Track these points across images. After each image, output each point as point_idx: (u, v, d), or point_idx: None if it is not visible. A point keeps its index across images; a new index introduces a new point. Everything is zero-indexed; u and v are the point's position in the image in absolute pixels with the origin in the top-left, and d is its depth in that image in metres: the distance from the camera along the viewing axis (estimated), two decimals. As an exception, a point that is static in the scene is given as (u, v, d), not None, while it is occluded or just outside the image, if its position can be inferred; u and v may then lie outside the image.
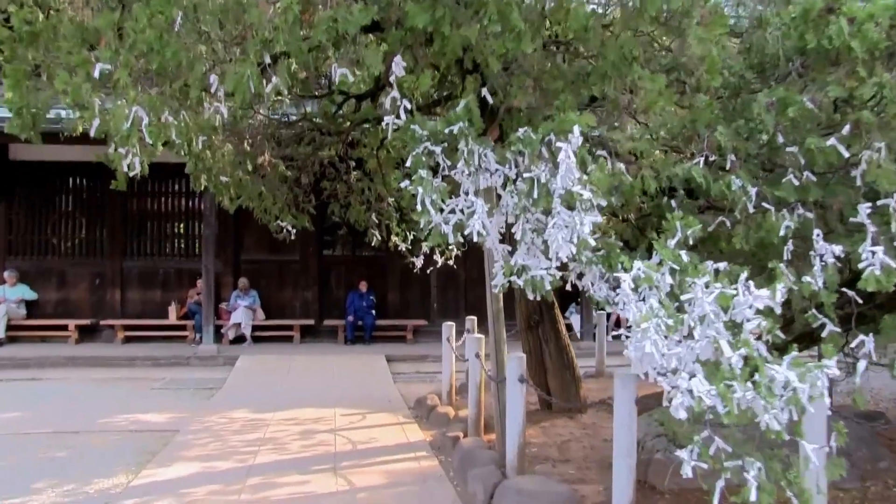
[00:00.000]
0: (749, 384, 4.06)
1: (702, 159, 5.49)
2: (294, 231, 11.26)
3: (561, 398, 9.21)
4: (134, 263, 16.56)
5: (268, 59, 5.11)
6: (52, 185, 16.35)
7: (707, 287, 4.28)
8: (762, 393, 4.03)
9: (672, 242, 4.97)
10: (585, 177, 4.72)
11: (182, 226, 17.04)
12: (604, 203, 4.80)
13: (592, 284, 5.64)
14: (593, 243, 4.74)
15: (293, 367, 13.44)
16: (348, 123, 9.85)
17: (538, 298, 5.38)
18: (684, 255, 4.81)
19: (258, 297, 16.17)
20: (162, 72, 4.94)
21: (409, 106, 5.31)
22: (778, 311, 4.32)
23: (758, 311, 4.26)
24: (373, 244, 12.35)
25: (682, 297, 4.38)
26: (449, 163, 5.34)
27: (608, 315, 14.50)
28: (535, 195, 4.86)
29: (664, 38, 5.73)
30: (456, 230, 5.19)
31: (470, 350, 8.76)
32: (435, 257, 12.45)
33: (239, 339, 15.60)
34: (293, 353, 14.82)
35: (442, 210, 5.18)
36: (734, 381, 4.08)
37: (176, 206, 16.95)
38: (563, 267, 5.29)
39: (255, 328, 15.78)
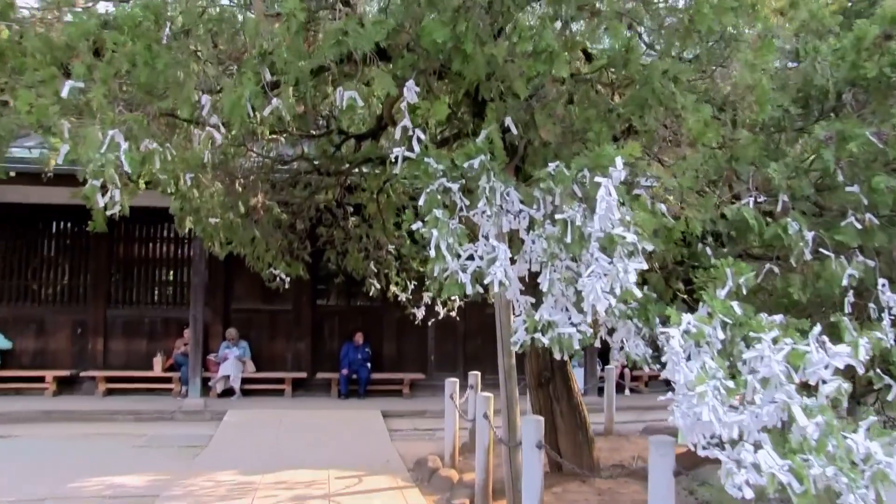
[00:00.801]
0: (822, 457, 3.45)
1: (750, 200, 4.90)
2: (287, 279, 10.66)
3: (573, 461, 8.56)
4: (118, 312, 15.81)
5: (268, 76, 4.50)
6: (34, 228, 15.65)
7: (775, 343, 3.66)
8: (844, 468, 3.41)
9: (722, 293, 4.38)
10: (627, 217, 4.10)
11: (170, 273, 16.36)
12: (649, 247, 4.18)
13: (626, 341, 5.03)
14: (639, 294, 4.12)
15: (284, 423, 12.70)
16: (347, 164, 9.25)
17: (565, 357, 4.74)
18: (736, 307, 4.22)
19: (248, 348, 15.48)
20: (150, 89, 4.30)
21: (422, 137, 4.70)
22: (860, 370, 3.70)
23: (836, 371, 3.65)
24: (370, 294, 11.69)
25: (746, 355, 3.76)
26: (467, 202, 4.74)
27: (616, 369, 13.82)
28: (569, 239, 4.23)
29: (706, 65, 5.14)
30: (475, 279, 4.58)
31: (478, 409, 8.10)
32: (436, 308, 11.97)
33: (227, 393, 14.87)
34: (284, 407, 14.09)
35: (459, 256, 4.58)
36: (809, 453, 3.45)
37: (164, 252, 16.30)
38: (593, 322, 4.68)
39: (244, 381, 15.06)
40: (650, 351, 5.01)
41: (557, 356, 4.64)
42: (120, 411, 13.20)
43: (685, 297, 5.62)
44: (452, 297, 12.02)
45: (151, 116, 4.60)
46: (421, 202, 4.57)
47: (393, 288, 11.81)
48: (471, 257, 4.63)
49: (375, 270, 11.48)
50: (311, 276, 13.61)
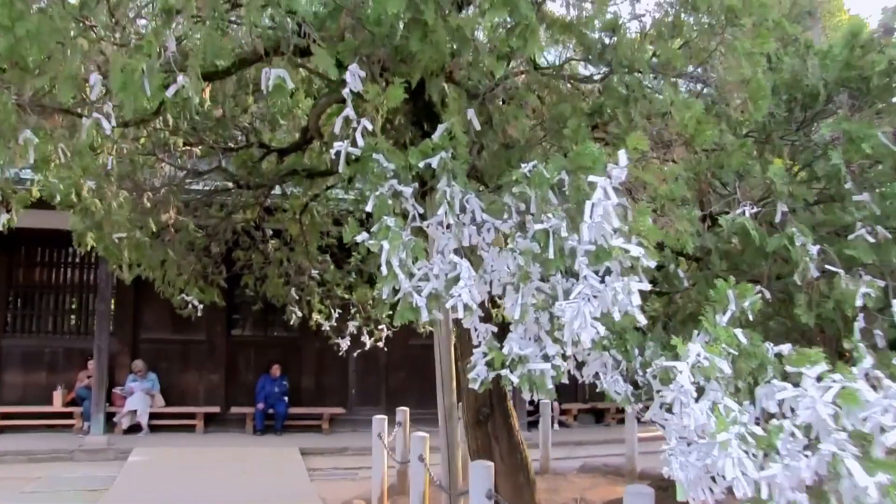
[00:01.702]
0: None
1: (745, 209, 4.27)
2: (201, 307, 9.74)
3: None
4: (15, 341, 14.55)
5: (172, 45, 3.66)
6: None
7: (820, 380, 2.99)
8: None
9: (724, 318, 3.74)
10: (626, 227, 3.40)
11: (75, 300, 15.24)
12: (653, 263, 3.48)
13: (602, 376, 4.34)
14: (643, 320, 3.42)
15: (195, 462, 11.72)
16: (269, 179, 8.41)
17: (536, 398, 4.00)
18: (741, 335, 3.58)
19: (157, 380, 14.44)
20: (20, 62, 3.41)
21: (369, 127, 3.92)
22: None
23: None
24: (290, 323, 10.82)
25: (781, 395, 3.08)
26: (421, 210, 3.99)
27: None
28: (550, 254, 3.51)
29: (696, 53, 4.49)
30: (431, 303, 3.83)
31: (413, 450, 7.30)
32: (363, 338, 11.28)
33: (134, 429, 13.82)
34: (195, 444, 13.17)
35: (412, 275, 3.82)
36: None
37: (68, 278, 15.20)
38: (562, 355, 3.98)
39: (152, 416, 14.02)
40: (630, 388, 4.32)
41: (527, 396, 3.90)
42: (9, 451, 11.98)
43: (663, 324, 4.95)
44: (380, 327, 11.60)
45: (29, 100, 3.70)
46: (369, 207, 3.80)
47: (315, 316, 11.01)
48: (426, 277, 3.88)
49: (297, 297, 10.64)
50: (226, 304, 12.80)
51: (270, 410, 14.60)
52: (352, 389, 15.95)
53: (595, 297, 3.42)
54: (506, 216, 3.88)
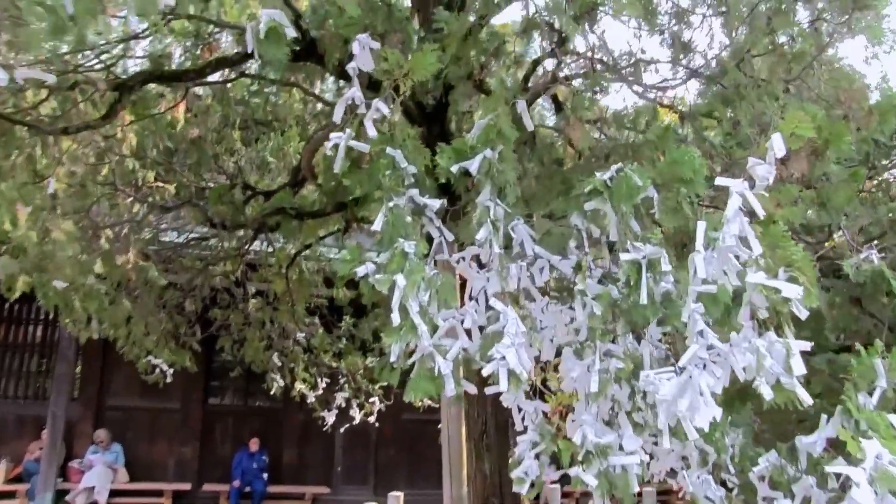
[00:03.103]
0: None
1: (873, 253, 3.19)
2: (171, 371, 8.61)
3: None
4: (-43, 408, 13.20)
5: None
6: None
7: None
8: None
9: (873, 399, 2.68)
10: (758, 257, 2.30)
11: (32, 360, 13.83)
12: (804, 313, 2.38)
13: (686, 476, 3.23)
14: (808, 399, 2.32)
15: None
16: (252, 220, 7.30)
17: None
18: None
19: (122, 452, 13.07)
20: None
21: (385, 111, 2.81)
22: None
23: None
24: (271, 392, 9.67)
25: None
26: (450, 237, 2.89)
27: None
28: (643, 298, 2.40)
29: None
30: (459, 369, 2.72)
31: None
32: (351, 411, 10.35)
33: (91, 509, 12.35)
34: (161, 527, 11.74)
35: (435, 328, 2.71)
36: None
37: (25, 336, 13.90)
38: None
39: (114, 493, 12.54)
40: (722, 491, 3.20)
41: (600, 502, 2.75)
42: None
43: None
44: (371, 400, 10.48)
45: None
46: (377, 225, 2.68)
47: (299, 386, 10.02)
48: (452, 332, 2.77)
49: (279, 364, 9.55)
50: (205, 369, 11.68)
51: (248, 488, 13.29)
52: (337, 467, 14.63)
53: (714, 361, 2.30)
54: (573, 244, 2.76)
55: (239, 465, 13.33)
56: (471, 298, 2.99)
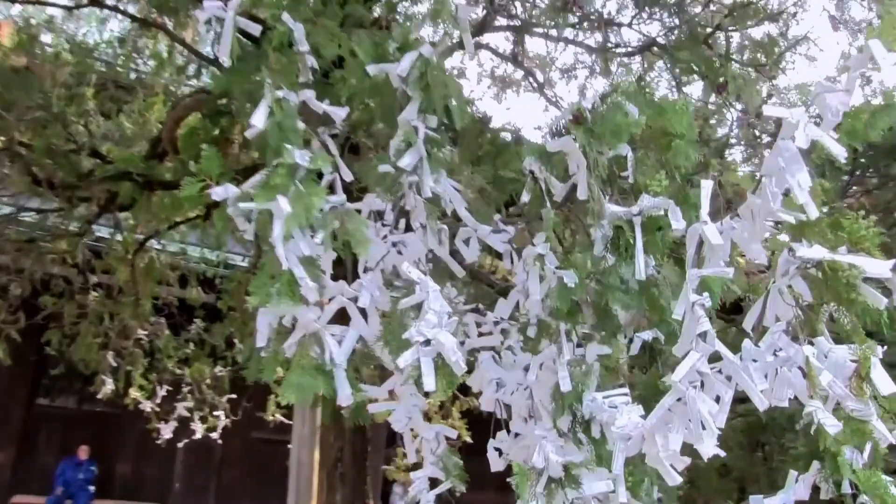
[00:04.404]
0: None
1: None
2: (-15, 363, 7.57)
3: None
4: None
5: None
6: None
7: None
8: None
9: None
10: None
11: None
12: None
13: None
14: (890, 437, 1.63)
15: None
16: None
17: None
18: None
19: None
20: None
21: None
22: None
23: None
24: (98, 395, 8.71)
25: None
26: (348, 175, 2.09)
27: None
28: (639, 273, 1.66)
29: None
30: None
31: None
32: (192, 425, 9.49)
33: None
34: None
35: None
36: None
37: None
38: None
39: None
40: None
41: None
42: None
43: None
44: (216, 413, 9.51)
45: None
46: (256, 120, 1.83)
47: (134, 392, 9.14)
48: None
49: (114, 365, 8.56)
50: (35, 364, 11.20)
51: (68, 501, 12.14)
52: (176, 484, 13.70)
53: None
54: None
55: (62, 474, 12.25)
56: (365, 270, 2.18)
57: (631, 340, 2.60)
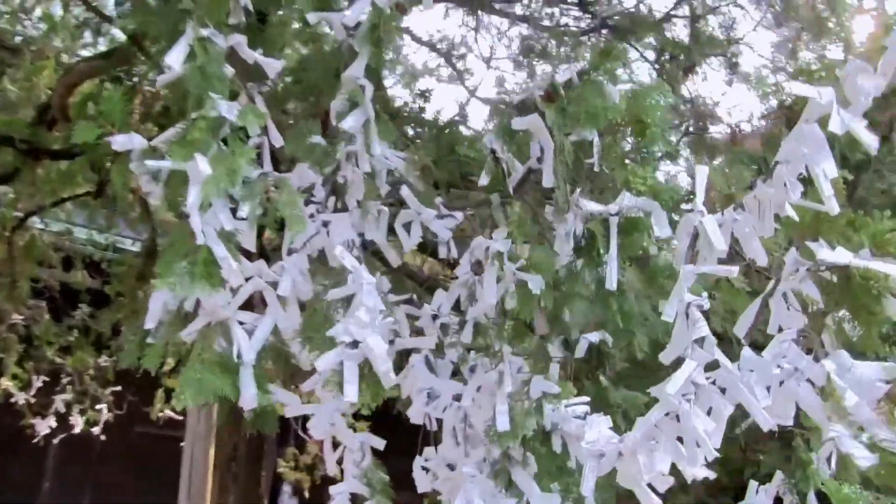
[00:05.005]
0: None
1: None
2: None
3: None
4: None
5: None
6: None
7: None
8: None
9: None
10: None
11: None
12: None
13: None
14: None
15: None
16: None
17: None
18: None
19: None
20: None
21: None
22: None
23: None
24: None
25: None
26: (278, 138, 1.80)
27: None
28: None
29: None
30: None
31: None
32: (71, 419, 9.19)
33: None
34: None
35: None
36: None
37: None
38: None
39: None
40: None
41: None
42: None
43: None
44: (98, 406, 9.01)
45: None
46: (172, 60, 1.51)
47: (6, 382, 8.58)
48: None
49: (-20, 350, 8.10)
50: None
51: None
52: (46, 482, 12.74)
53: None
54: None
55: None
56: (290, 252, 1.86)
57: (576, 342, 2.39)
